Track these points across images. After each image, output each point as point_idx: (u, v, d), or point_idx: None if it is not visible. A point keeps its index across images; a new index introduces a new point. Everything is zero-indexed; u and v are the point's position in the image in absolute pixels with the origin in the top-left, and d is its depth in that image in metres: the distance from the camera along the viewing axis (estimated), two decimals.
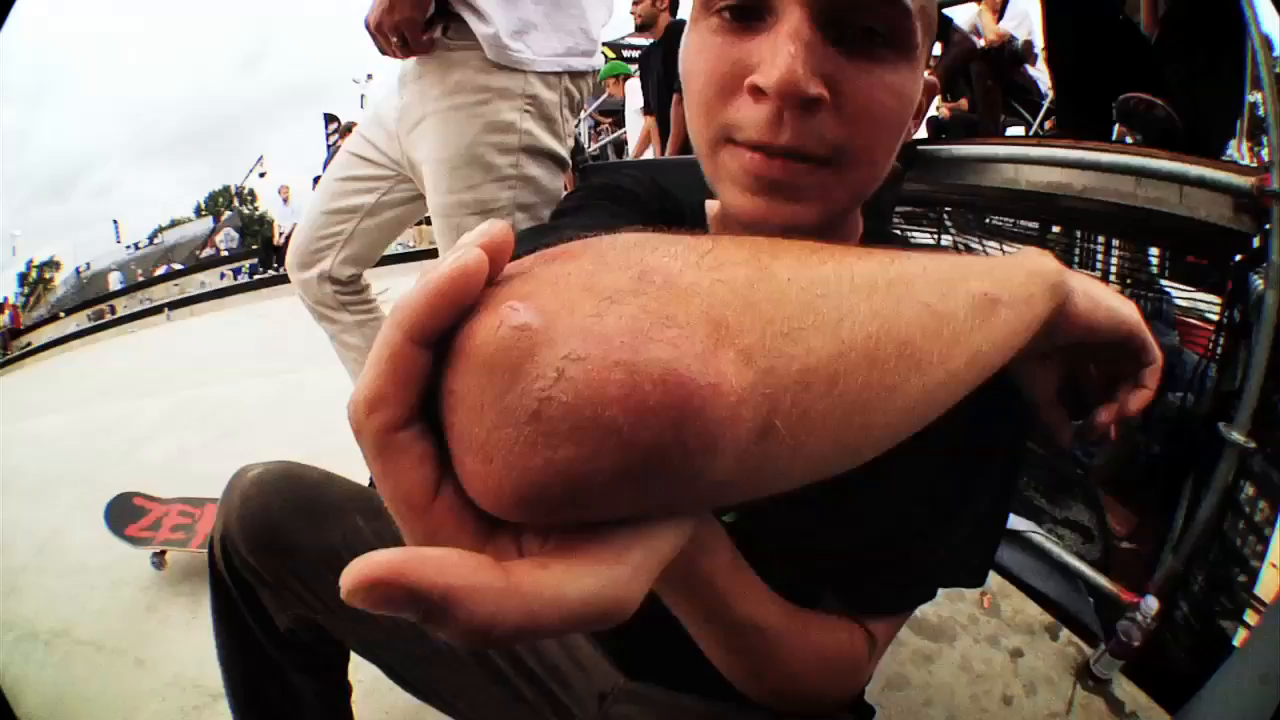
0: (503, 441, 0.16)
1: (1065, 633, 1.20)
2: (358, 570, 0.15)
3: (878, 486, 0.44)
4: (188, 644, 1.28)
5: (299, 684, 0.62)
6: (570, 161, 1.04)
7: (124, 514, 1.73)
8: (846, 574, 0.44)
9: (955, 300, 0.24)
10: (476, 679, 0.55)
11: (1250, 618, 1.32)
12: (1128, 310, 0.35)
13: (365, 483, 0.56)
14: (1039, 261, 0.32)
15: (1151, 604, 1.18)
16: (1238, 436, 1.28)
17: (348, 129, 4.52)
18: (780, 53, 0.33)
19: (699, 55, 0.38)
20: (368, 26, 0.91)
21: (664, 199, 0.50)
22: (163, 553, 1.58)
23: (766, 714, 0.45)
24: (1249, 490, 1.39)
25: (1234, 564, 1.38)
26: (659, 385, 0.16)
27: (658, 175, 0.48)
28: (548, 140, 0.98)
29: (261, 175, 12.87)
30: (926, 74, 0.42)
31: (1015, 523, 1.67)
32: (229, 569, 0.55)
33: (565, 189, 1.07)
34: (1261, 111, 1.39)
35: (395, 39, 0.90)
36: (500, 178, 0.96)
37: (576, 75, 1.01)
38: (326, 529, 0.53)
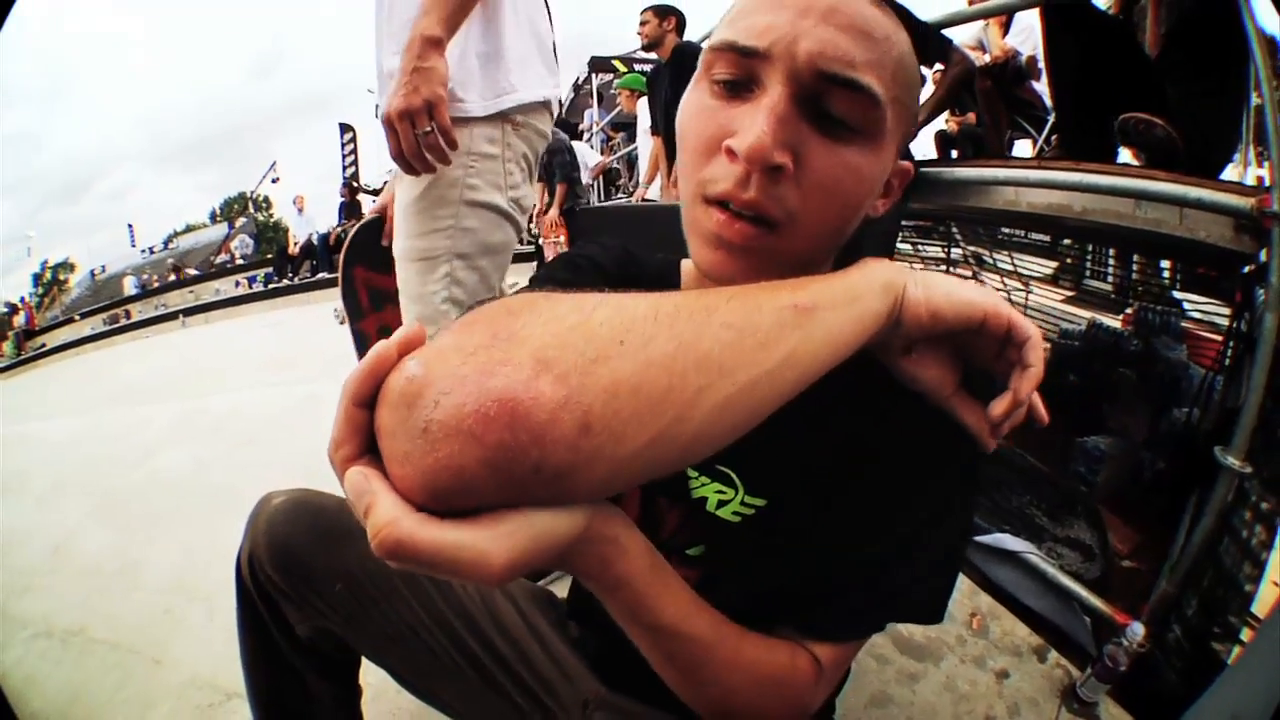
0: (408, 452, 0.25)
1: (1053, 655, 1.20)
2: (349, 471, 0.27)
3: (832, 523, 0.47)
4: (204, 645, 1.31)
5: (316, 687, 0.67)
6: (519, 209, 1.10)
7: None
8: (798, 601, 0.47)
9: (759, 315, 0.32)
10: (474, 685, 0.60)
11: (1247, 636, 1.31)
12: (976, 294, 0.39)
13: None
14: (873, 268, 0.38)
15: (1137, 630, 1.18)
16: (1233, 461, 1.27)
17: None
18: (757, 122, 0.38)
19: (694, 116, 0.43)
20: (389, 121, 0.90)
21: (627, 265, 0.57)
22: None
23: None
24: (1246, 514, 1.39)
25: (1228, 588, 1.37)
26: (496, 402, 0.24)
27: (648, 223, 0.52)
28: (488, 194, 1.04)
29: (274, 181, 13.04)
30: (901, 161, 0.46)
31: (1012, 543, 1.67)
32: (255, 585, 0.60)
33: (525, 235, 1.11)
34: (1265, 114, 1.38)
35: (422, 127, 0.89)
36: (440, 228, 1.03)
37: (519, 125, 1.06)
38: (342, 552, 0.58)
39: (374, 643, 0.61)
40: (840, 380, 0.48)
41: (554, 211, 4.73)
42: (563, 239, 4.71)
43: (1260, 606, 1.34)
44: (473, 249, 1.06)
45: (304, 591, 0.58)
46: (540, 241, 4.83)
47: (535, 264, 5.37)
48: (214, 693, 1.17)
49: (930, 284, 0.39)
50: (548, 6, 1.16)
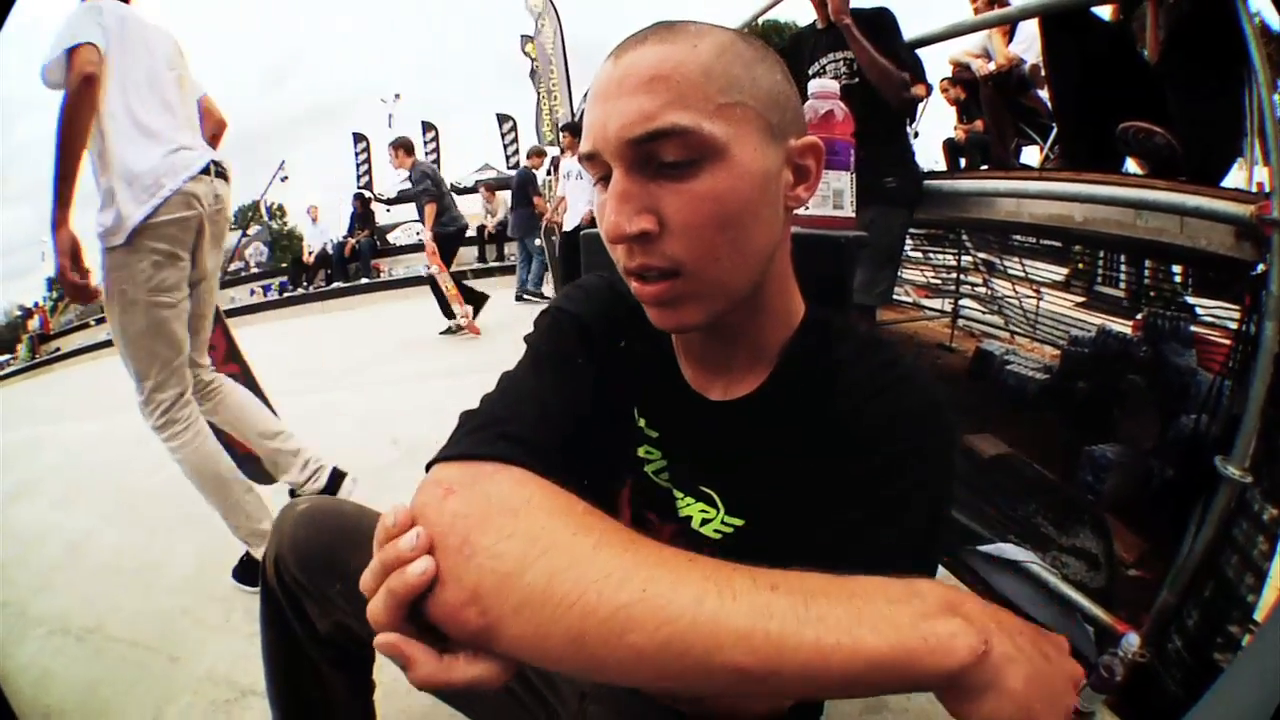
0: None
1: None
2: (380, 639, 0.36)
3: (812, 538, 0.48)
4: (221, 644, 1.34)
5: (332, 679, 0.71)
6: (159, 292, 1.46)
7: None
8: None
9: (683, 658, 0.32)
10: None
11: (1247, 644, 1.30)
12: None
13: None
14: (937, 646, 0.32)
15: (1132, 640, 1.17)
16: (1233, 471, 1.25)
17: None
18: (607, 208, 0.44)
19: (595, 212, 0.49)
20: (61, 278, 1.35)
21: (612, 308, 0.59)
22: None
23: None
24: (1247, 524, 1.36)
25: (1229, 599, 1.35)
26: (442, 607, 0.35)
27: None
28: (120, 289, 1.43)
29: (284, 179, 12.96)
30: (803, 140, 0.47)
31: (1014, 553, 1.68)
32: (280, 584, 0.65)
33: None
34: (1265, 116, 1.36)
35: (76, 270, 1.34)
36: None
37: (134, 248, 1.42)
38: (360, 553, 0.62)
39: None
40: (810, 397, 0.51)
41: (427, 235, 4.87)
42: (435, 265, 4.92)
43: (1263, 614, 1.33)
44: (117, 321, 1.46)
45: (325, 589, 0.63)
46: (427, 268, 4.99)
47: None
48: (230, 689, 1.19)
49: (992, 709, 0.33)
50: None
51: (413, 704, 1.05)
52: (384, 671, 0.78)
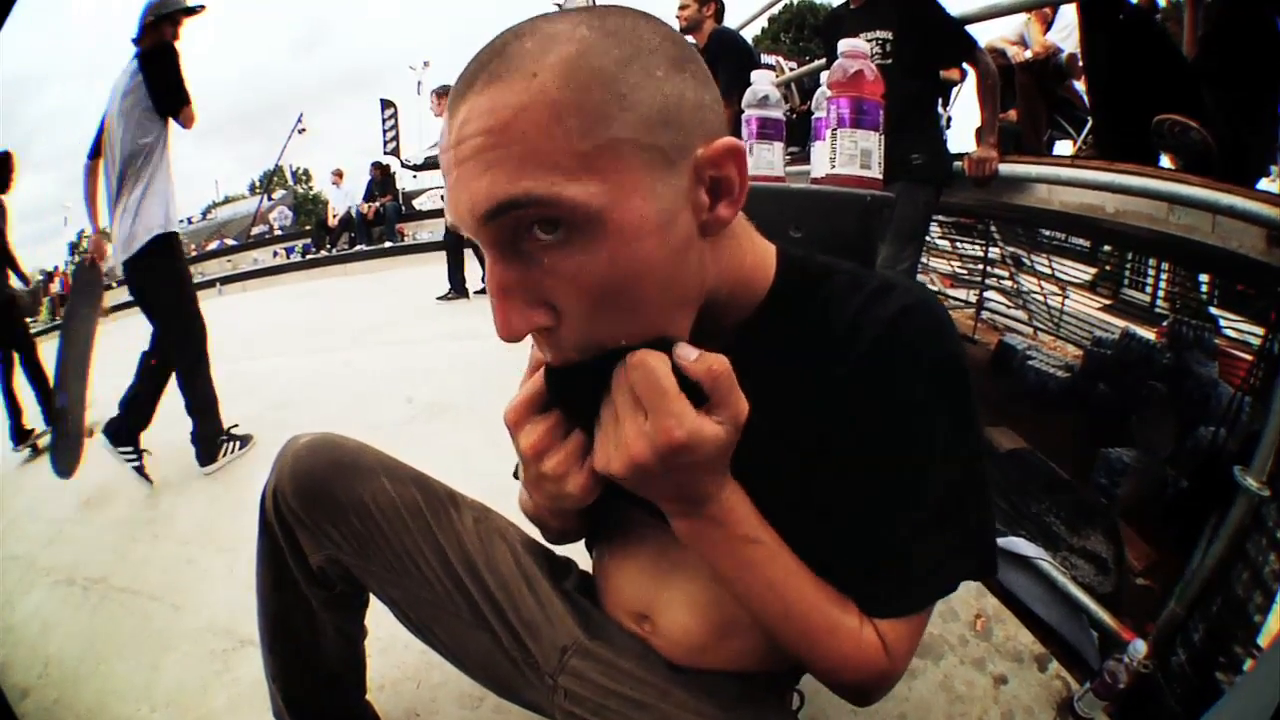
0: None
1: (1054, 665, 1.16)
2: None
3: (823, 507, 0.48)
4: (224, 594, 1.35)
5: (323, 620, 0.72)
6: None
7: None
8: (839, 575, 0.48)
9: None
10: (465, 622, 0.64)
11: (1249, 669, 1.27)
12: None
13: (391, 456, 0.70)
14: None
15: (1139, 647, 1.14)
16: (1252, 482, 1.20)
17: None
18: (491, 302, 0.39)
19: None
20: None
21: None
22: None
23: (693, 680, 0.54)
24: (1261, 540, 1.30)
25: (1237, 616, 1.30)
26: None
27: None
28: None
29: (301, 131, 12.79)
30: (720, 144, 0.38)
31: (1024, 548, 1.66)
32: (277, 515, 0.65)
33: None
34: None
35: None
36: None
37: None
38: (358, 485, 0.64)
39: (379, 573, 0.66)
40: (786, 377, 0.48)
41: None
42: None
43: (1267, 638, 1.29)
44: None
45: (320, 520, 0.63)
46: None
47: None
48: (229, 638, 1.21)
49: None
50: None
51: (407, 659, 1.07)
52: (380, 628, 0.80)
